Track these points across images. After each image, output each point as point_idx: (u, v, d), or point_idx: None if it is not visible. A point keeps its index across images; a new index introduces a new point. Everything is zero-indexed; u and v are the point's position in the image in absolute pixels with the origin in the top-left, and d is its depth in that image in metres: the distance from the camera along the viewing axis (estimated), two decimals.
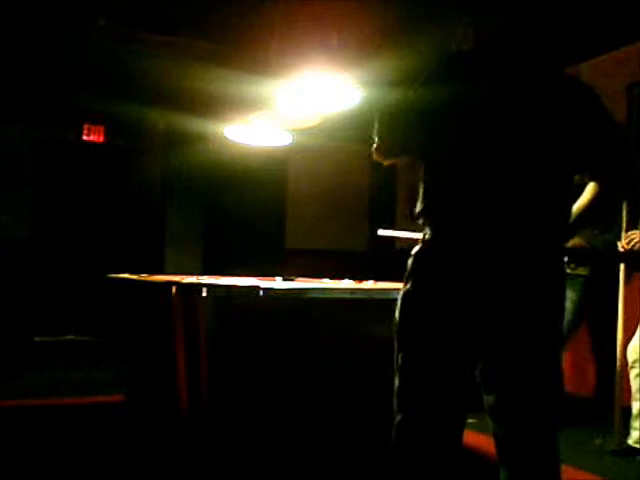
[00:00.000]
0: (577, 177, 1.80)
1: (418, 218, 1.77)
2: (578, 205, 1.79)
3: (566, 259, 3.74)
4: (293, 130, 4.51)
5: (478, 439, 2.82)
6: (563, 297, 1.75)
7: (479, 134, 1.67)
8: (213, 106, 5.46)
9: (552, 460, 1.70)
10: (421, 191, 1.76)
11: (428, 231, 1.74)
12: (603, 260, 3.72)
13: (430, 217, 1.73)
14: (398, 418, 1.73)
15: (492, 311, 1.65)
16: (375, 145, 1.81)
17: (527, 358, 1.68)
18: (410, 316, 1.73)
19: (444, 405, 1.71)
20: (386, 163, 1.92)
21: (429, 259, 1.72)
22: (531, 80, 1.73)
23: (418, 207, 1.76)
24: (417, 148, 1.78)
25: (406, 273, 1.77)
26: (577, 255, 3.74)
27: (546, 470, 1.70)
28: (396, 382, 1.75)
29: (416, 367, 1.72)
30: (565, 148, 1.70)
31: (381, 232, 3.15)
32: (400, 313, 1.76)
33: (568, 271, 3.83)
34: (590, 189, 1.79)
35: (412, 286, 1.73)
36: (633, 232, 3.36)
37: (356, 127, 5.16)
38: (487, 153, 1.67)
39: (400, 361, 1.74)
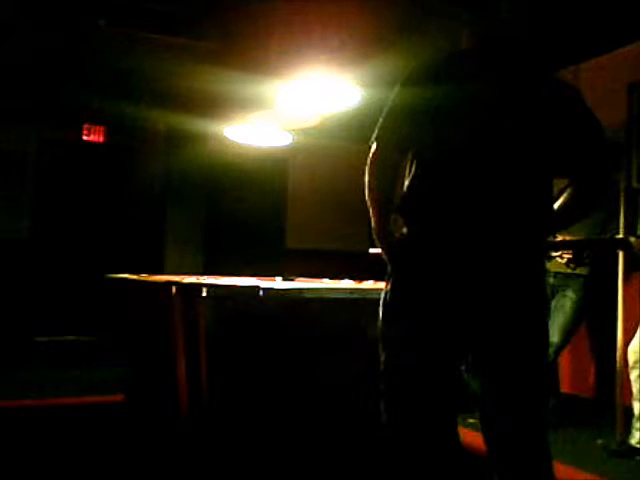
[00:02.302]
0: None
1: (398, 212, 1.76)
2: (556, 207, 1.79)
3: (566, 260, 3.77)
4: (293, 130, 4.51)
5: (478, 439, 2.82)
6: (544, 295, 1.74)
7: (468, 133, 1.67)
8: (213, 106, 5.46)
9: (542, 458, 1.70)
10: (405, 187, 1.75)
11: (406, 228, 1.73)
12: (601, 249, 3.72)
13: (411, 213, 1.73)
14: (383, 419, 1.73)
15: (473, 309, 1.64)
16: (376, 138, 1.75)
17: (510, 355, 1.67)
18: (391, 316, 1.73)
19: (427, 406, 1.70)
20: (382, 160, 1.80)
21: (408, 258, 1.72)
22: (520, 82, 1.73)
23: (399, 203, 1.75)
24: (411, 144, 1.76)
25: (387, 271, 1.77)
26: (578, 247, 3.74)
27: (536, 468, 1.70)
28: (380, 383, 1.75)
29: (398, 368, 1.71)
30: (550, 150, 1.71)
31: (372, 250, 3.14)
32: (382, 313, 1.75)
33: (568, 271, 3.84)
34: (568, 191, 1.79)
35: (392, 286, 1.73)
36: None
37: (356, 127, 5.16)
38: (474, 152, 1.67)
39: (383, 362, 1.74)
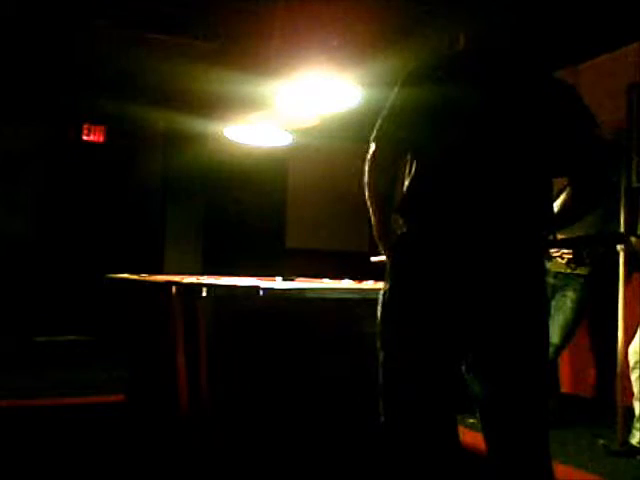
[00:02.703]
0: None
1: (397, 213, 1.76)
2: (556, 206, 1.80)
3: (566, 260, 3.78)
4: (293, 130, 4.51)
5: (478, 439, 2.82)
6: (545, 294, 1.74)
7: (467, 133, 1.67)
8: (213, 106, 5.46)
9: (542, 458, 1.70)
10: (405, 187, 1.75)
11: (405, 228, 1.74)
12: (602, 245, 3.71)
13: (411, 213, 1.73)
14: (383, 420, 1.73)
15: (472, 309, 1.64)
16: (376, 139, 1.76)
17: (510, 354, 1.67)
18: (390, 316, 1.73)
19: (426, 406, 1.70)
20: (382, 161, 1.80)
21: (408, 256, 1.72)
22: (517, 81, 1.74)
23: (399, 203, 1.75)
24: (410, 145, 1.75)
25: (386, 271, 1.77)
26: (578, 246, 3.74)
27: (536, 468, 1.69)
28: (379, 383, 1.75)
29: (397, 368, 1.71)
30: (548, 149, 1.71)
31: (373, 259, 3.12)
32: (381, 313, 1.75)
33: (568, 271, 3.84)
34: (568, 190, 1.79)
35: (391, 286, 1.73)
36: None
37: (356, 127, 5.16)
38: (473, 151, 1.67)
39: (382, 362, 1.74)
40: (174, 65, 4.93)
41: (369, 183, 1.78)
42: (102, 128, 6.37)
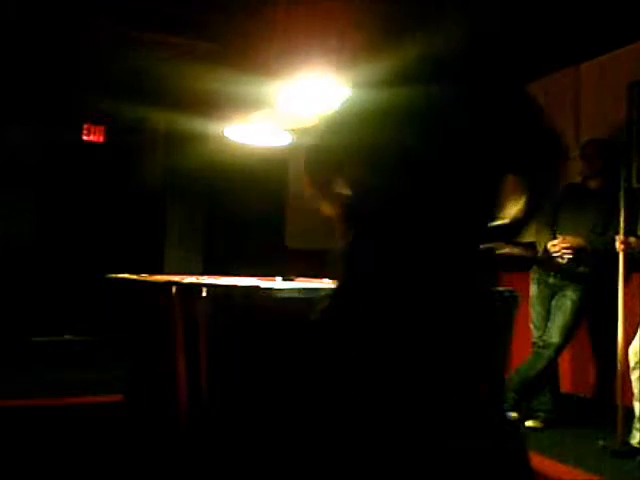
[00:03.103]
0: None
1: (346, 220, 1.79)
2: (518, 209, 1.77)
3: (566, 260, 3.77)
4: (293, 130, 4.51)
5: None
6: (492, 320, 1.74)
7: (418, 140, 1.66)
8: (213, 106, 5.46)
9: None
10: (351, 194, 1.78)
11: (349, 233, 1.76)
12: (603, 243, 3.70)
13: (354, 219, 1.75)
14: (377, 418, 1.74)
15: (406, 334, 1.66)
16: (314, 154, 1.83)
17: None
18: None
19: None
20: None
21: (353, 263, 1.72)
22: (473, 90, 1.72)
23: (344, 211, 1.79)
24: (352, 152, 1.77)
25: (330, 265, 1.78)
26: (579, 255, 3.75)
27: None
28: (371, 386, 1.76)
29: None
30: (497, 158, 1.69)
31: None
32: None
33: (568, 271, 3.84)
34: (520, 195, 1.77)
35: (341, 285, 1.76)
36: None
37: None
38: (421, 161, 1.65)
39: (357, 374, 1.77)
40: (174, 65, 4.94)
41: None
42: (102, 128, 6.37)
